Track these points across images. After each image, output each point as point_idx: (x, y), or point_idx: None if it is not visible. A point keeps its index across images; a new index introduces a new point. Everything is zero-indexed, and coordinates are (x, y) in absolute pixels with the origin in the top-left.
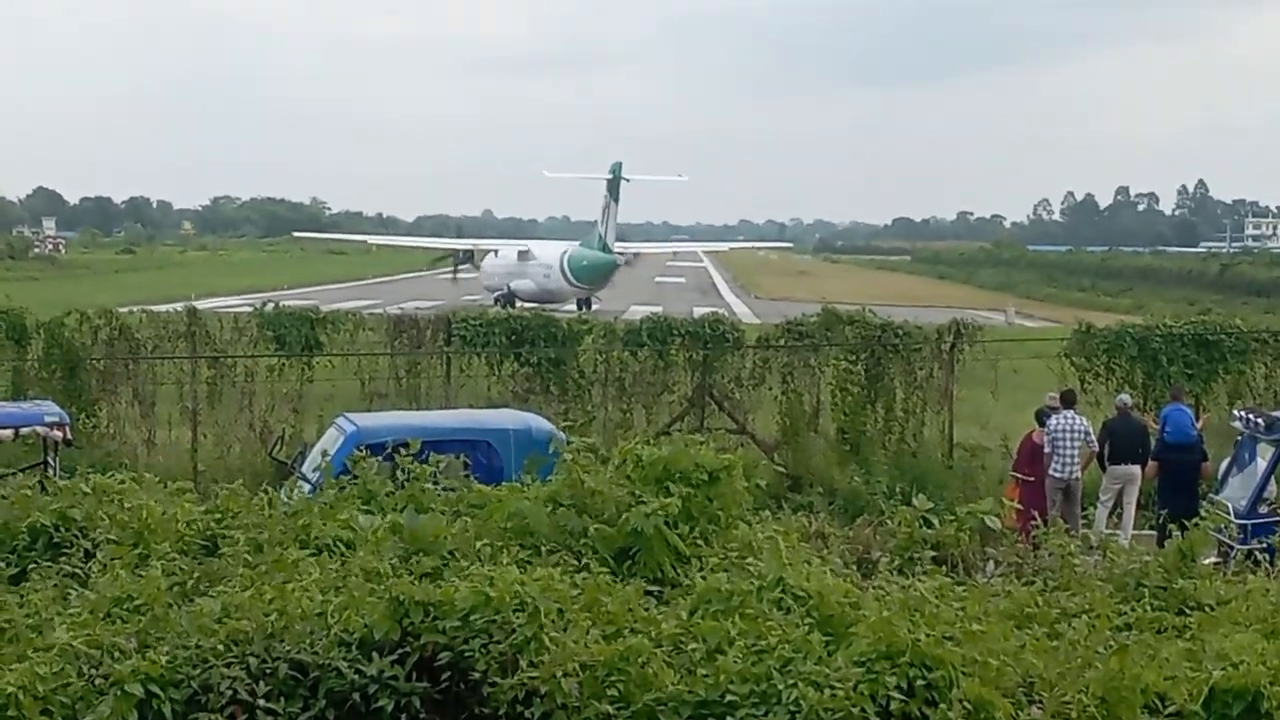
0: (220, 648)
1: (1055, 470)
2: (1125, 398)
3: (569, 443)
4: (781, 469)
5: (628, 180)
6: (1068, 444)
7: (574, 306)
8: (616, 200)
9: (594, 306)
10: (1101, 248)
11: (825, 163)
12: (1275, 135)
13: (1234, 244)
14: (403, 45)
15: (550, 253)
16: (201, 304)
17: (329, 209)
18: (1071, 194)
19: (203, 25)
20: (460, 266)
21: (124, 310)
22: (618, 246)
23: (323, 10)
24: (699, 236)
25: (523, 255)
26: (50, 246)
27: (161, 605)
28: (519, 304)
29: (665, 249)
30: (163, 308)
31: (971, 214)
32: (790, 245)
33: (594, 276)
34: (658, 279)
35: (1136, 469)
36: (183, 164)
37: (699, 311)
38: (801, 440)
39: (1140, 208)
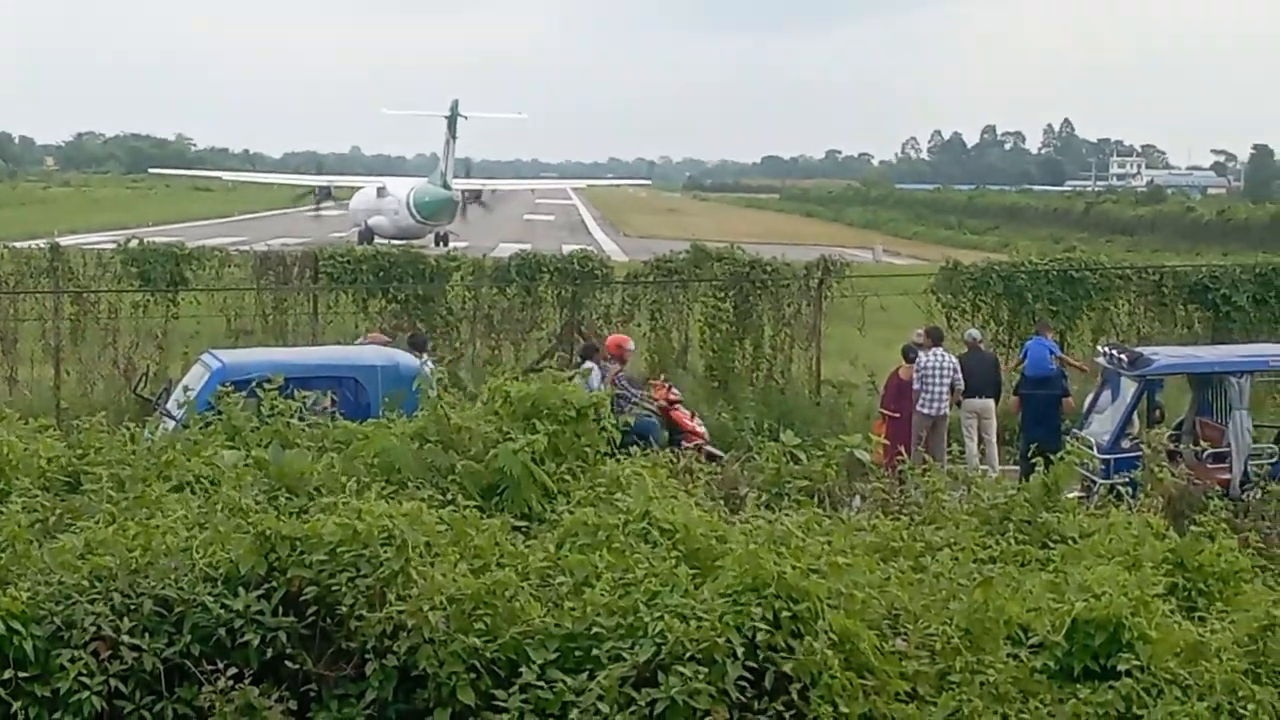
0: (83, 584)
1: (923, 407)
2: (974, 332)
3: (437, 379)
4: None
5: (465, 118)
6: (936, 380)
7: (433, 243)
8: (455, 137)
9: (451, 243)
10: (968, 186)
11: (696, 101)
12: (1140, 74)
13: (1099, 182)
14: None
15: (402, 190)
16: (64, 240)
17: (194, 145)
18: (939, 133)
19: None
20: (320, 203)
21: None
22: (473, 183)
23: None
24: (568, 174)
25: (380, 193)
26: None
27: (22, 542)
28: (376, 240)
29: (523, 185)
30: (24, 244)
31: (840, 152)
32: (649, 181)
33: (436, 212)
34: (526, 217)
35: (989, 402)
36: (46, 99)
37: (568, 249)
38: (670, 377)
39: (1007, 146)
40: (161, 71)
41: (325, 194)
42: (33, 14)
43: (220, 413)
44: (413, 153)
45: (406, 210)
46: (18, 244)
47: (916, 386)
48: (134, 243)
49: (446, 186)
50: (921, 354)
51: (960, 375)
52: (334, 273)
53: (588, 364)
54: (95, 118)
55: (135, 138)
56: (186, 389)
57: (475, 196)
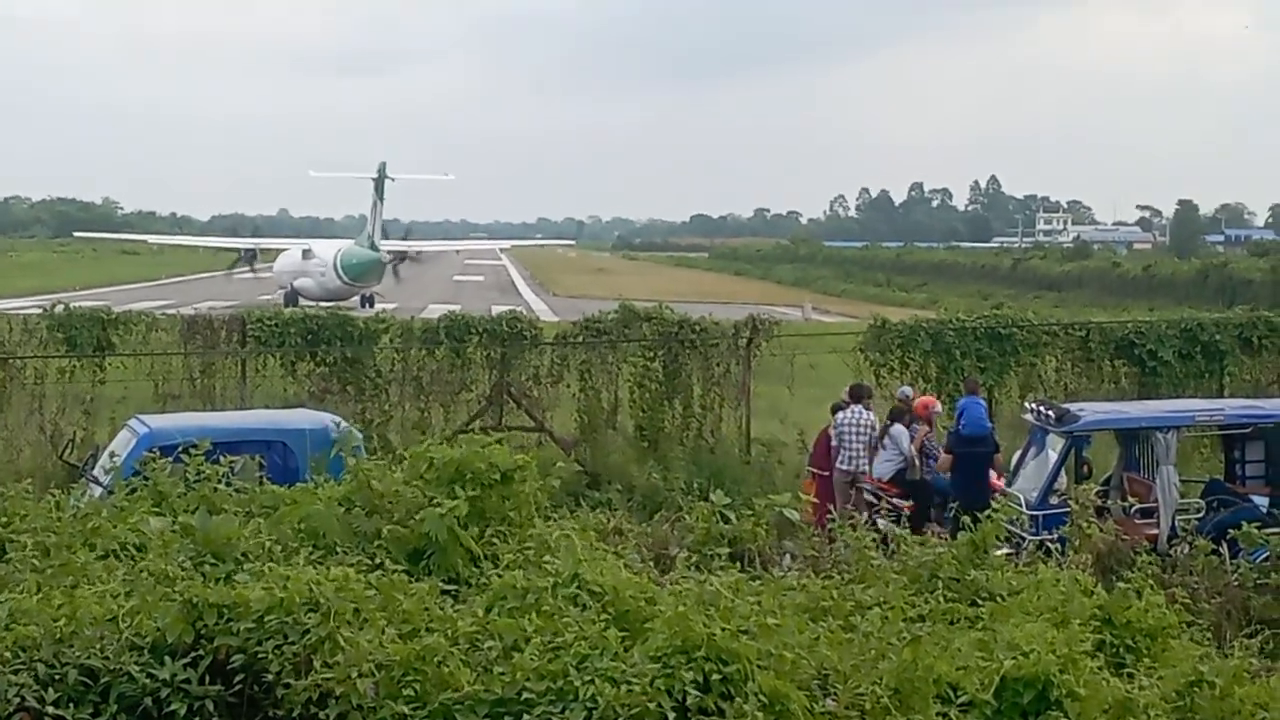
0: (6, 654)
1: (842, 464)
2: (906, 390)
3: (362, 444)
4: (579, 467)
5: (393, 179)
6: (854, 438)
7: (358, 304)
8: (382, 199)
9: (378, 305)
10: (897, 243)
11: (623, 160)
12: (1065, 132)
13: (1026, 239)
14: (201, 43)
15: (328, 252)
16: None
17: (121, 209)
18: (867, 190)
19: None
20: (241, 266)
21: None
22: (398, 245)
23: (116, 3)
24: (497, 234)
25: (306, 254)
26: None
27: None
28: (302, 302)
29: (450, 246)
30: None
31: (769, 210)
32: (573, 241)
33: (363, 274)
34: (456, 277)
35: None
36: None
37: (497, 309)
38: (600, 437)
39: (934, 204)
40: (88, 135)
41: (251, 257)
42: None
43: (147, 479)
44: (341, 214)
45: (334, 272)
46: None
47: (835, 444)
48: (60, 307)
49: (374, 248)
50: (840, 412)
51: (877, 433)
52: (262, 336)
53: (896, 427)
54: (21, 182)
55: (62, 201)
56: (113, 455)
57: (401, 258)
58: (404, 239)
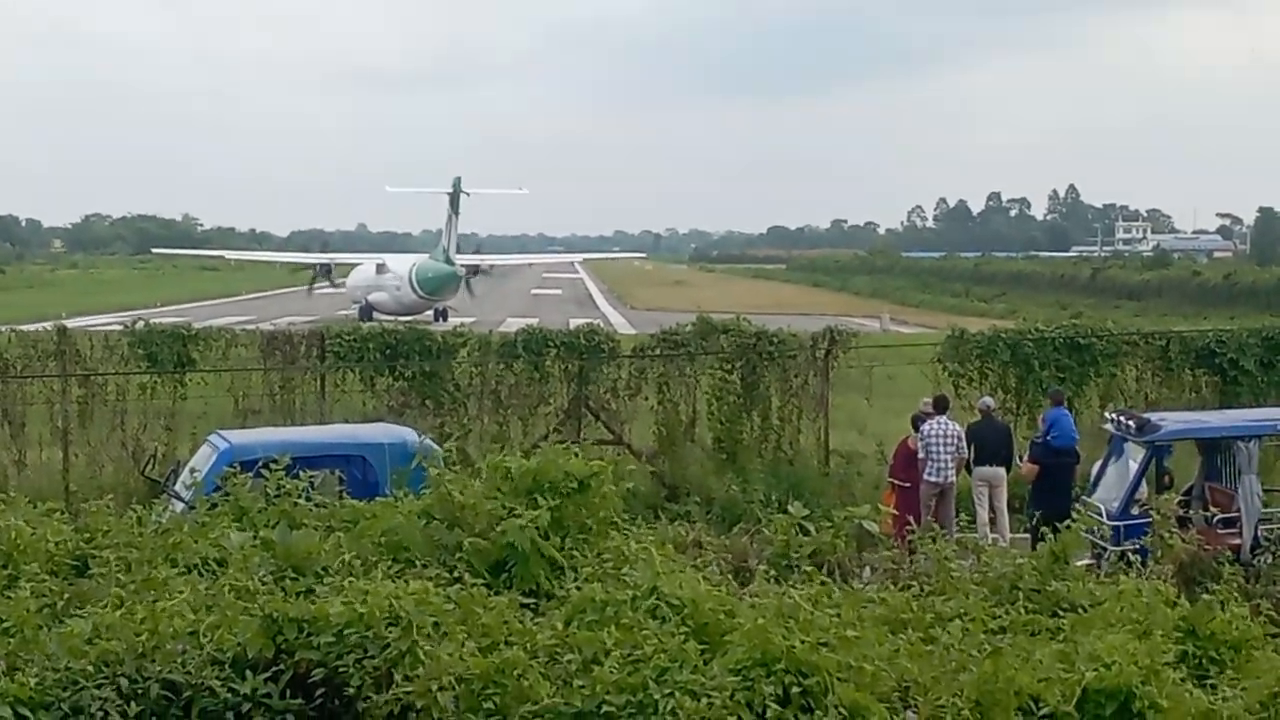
0: (90, 669)
1: (930, 475)
2: (988, 400)
3: (442, 457)
4: (653, 470)
5: (467, 194)
6: (940, 449)
7: (432, 318)
8: (457, 214)
9: (451, 318)
10: (975, 253)
11: (701, 172)
12: (1144, 139)
13: (1105, 248)
14: (277, 59)
15: (403, 266)
16: (71, 322)
17: (201, 225)
18: (944, 200)
19: (70, 42)
20: (317, 281)
21: None
22: (471, 259)
23: (192, 25)
24: (574, 247)
25: (380, 269)
26: None
27: (31, 627)
28: (376, 316)
29: (521, 260)
30: (31, 327)
31: (846, 221)
32: (643, 255)
33: (438, 288)
34: (534, 291)
35: (1001, 470)
36: (53, 182)
37: (575, 323)
38: (678, 449)
39: (1012, 213)
40: (167, 153)
41: (325, 271)
42: (38, 97)
43: (227, 494)
44: (419, 229)
45: (409, 286)
46: (25, 327)
47: (921, 455)
48: (141, 324)
49: (449, 262)
50: (925, 423)
51: (964, 443)
52: (340, 351)
53: None
54: (102, 200)
55: (142, 219)
56: (194, 470)
57: (474, 271)
58: (475, 253)
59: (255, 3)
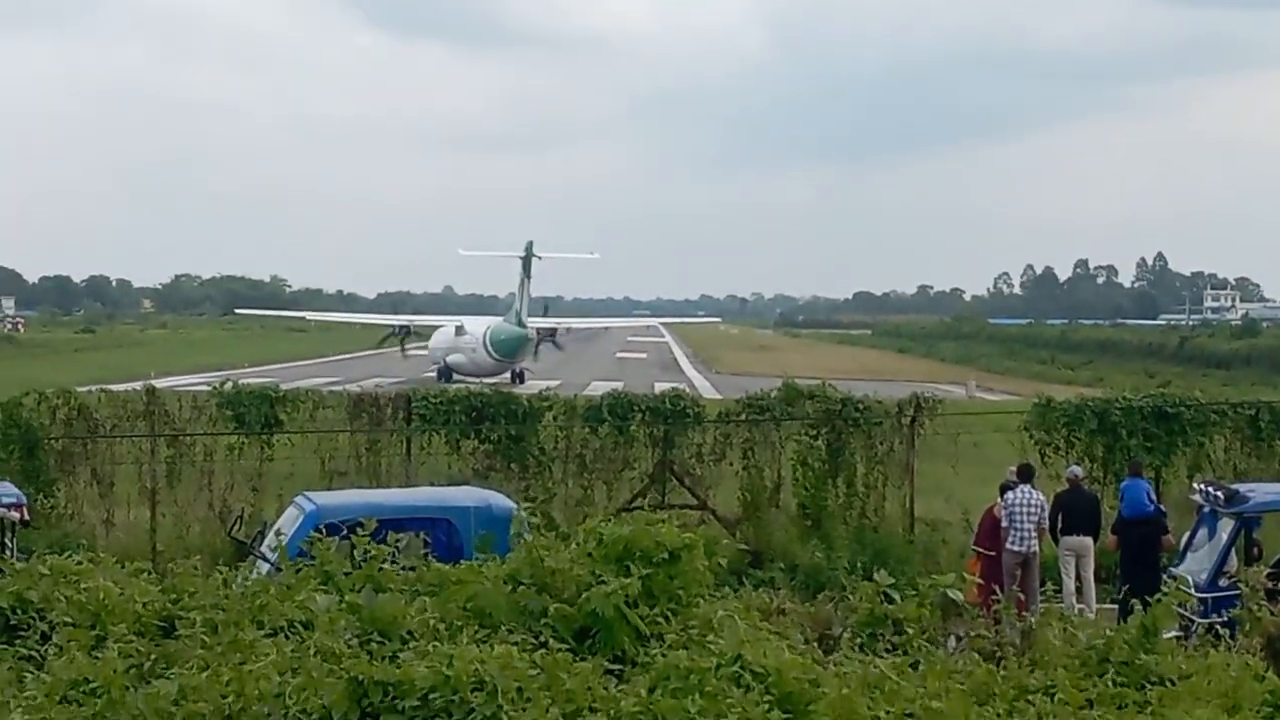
0: None
1: (1012, 544)
2: (1076, 469)
3: (529, 520)
4: (743, 545)
5: (539, 258)
6: (1024, 518)
7: (509, 379)
8: (529, 276)
9: (526, 380)
10: (1061, 320)
11: (787, 237)
12: (1233, 208)
13: (1193, 316)
14: (364, 124)
15: (479, 329)
16: (160, 383)
17: (289, 286)
18: (1031, 267)
19: (162, 104)
20: (405, 342)
21: (82, 390)
22: (547, 322)
23: (283, 90)
24: (659, 311)
25: (459, 331)
26: (9, 326)
27: (118, 688)
28: (455, 378)
29: (597, 324)
30: (121, 387)
31: (932, 288)
32: (719, 319)
33: (512, 350)
34: (619, 355)
35: (1088, 540)
36: (143, 242)
37: (660, 387)
38: (763, 515)
39: (1099, 280)
40: (257, 213)
41: (405, 333)
42: (129, 157)
43: (313, 557)
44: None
45: (484, 348)
46: (115, 387)
47: (1005, 524)
48: (229, 385)
49: (521, 325)
50: (1009, 492)
51: (1046, 513)
52: (427, 414)
53: None
54: (192, 260)
55: (230, 279)
56: (280, 532)
57: (550, 334)
58: (544, 314)
59: (340, 69)
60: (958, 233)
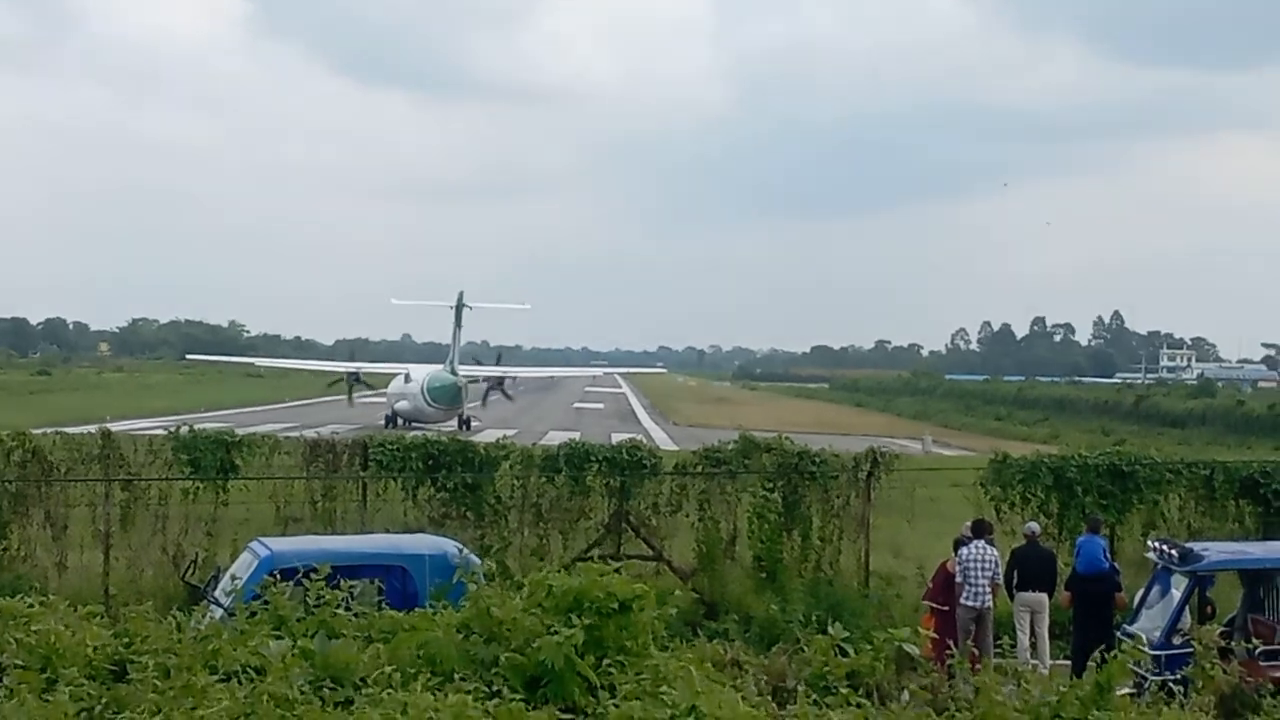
0: None
1: (967, 599)
2: (1033, 526)
3: (481, 569)
4: (696, 595)
5: (469, 308)
6: (978, 573)
7: (456, 427)
8: (460, 326)
9: (472, 426)
10: (1018, 377)
11: (745, 291)
12: (1189, 266)
13: (1149, 375)
14: (328, 171)
15: (422, 376)
16: (116, 426)
17: (247, 331)
18: (989, 324)
19: (122, 147)
20: (353, 390)
21: (37, 432)
22: (489, 370)
23: (245, 135)
24: (618, 362)
25: (407, 379)
26: None
27: None
28: (400, 423)
29: (544, 373)
30: (76, 430)
31: (889, 343)
32: (664, 369)
33: (446, 397)
34: (576, 405)
35: (1043, 596)
36: (101, 286)
37: (617, 438)
38: (718, 567)
39: (1056, 338)
40: (215, 258)
41: (354, 379)
42: (87, 202)
43: (267, 602)
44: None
45: (421, 396)
46: (70, 429)
47: (959, 579)
48: (184, 429)
49: (454, 373)
50: (964, 547)
51: (1000, 569)
52: (383, 460)
53: None
54: (149, 304)
55: (189, 324)
56: (234, 577)
57: (498, 383)
58: (497, 363)
59: (302, 115)
60: (916, 288)
